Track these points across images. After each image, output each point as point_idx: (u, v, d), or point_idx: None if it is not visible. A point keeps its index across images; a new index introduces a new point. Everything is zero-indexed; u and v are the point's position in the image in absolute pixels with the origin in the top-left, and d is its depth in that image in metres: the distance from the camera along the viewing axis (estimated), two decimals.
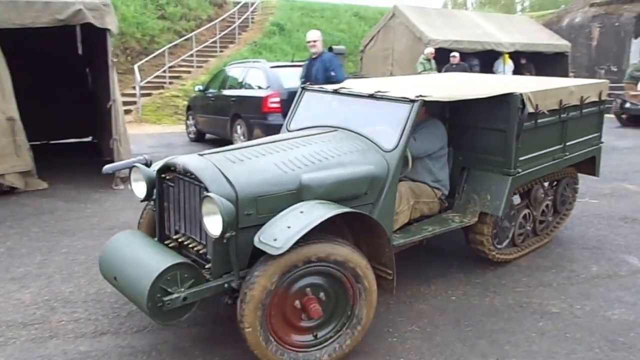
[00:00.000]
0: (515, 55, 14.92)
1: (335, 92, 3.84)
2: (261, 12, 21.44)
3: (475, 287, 3.72)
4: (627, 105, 11.96)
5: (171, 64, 15.74)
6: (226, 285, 2.60)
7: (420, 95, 3.27)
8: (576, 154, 4.48)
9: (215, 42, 17.93)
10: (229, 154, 2.92)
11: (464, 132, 3.88)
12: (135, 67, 13.90)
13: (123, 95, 12.64)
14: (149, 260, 2.57)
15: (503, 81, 5.05)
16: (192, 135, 10.42)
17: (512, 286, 3.73)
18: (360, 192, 3.04)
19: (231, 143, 8.45)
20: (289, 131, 3.82)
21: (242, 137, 8.10)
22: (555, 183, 4.65)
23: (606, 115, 5.15)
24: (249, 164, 2.84)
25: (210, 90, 9.63)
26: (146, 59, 15.28)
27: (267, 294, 2.47)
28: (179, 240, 2.91)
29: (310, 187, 2.81)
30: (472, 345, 2.95)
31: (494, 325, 3.18)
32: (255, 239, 2.51)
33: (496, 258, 3.97)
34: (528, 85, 4.12)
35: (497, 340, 3.01)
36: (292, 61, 9.09)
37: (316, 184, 2.83)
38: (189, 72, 16.13)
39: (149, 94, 14.48)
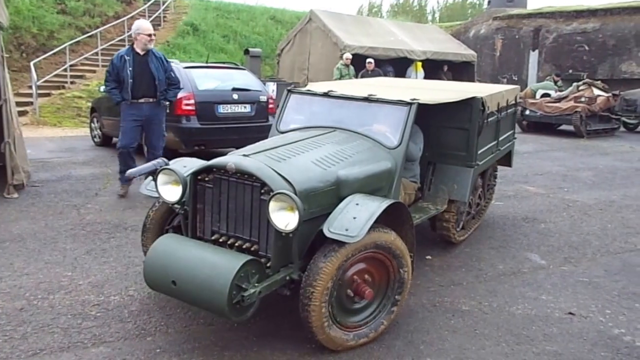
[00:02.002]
0: (438, 63, 15.70)
1: (327, 95, 4.06)
2: (174, 11, 20.88)
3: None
4: (527, 112, 12.94)
5: (73, 62, 14.86)
6: (287, 277, 2.79)
7: (415, 99, 3.68)
8: (504, 147, 5.35)
9: (123, 40, 17.16)
10: (268, 154, 3.06)
11: (429, 131, 4.29)
12: (32, 64, 12.96)
13: (17, 95, 11.74)
14: (217, 259, 2.63)
15: (456, 86, 5.75)
16: (97, 140, 9.84)
17: (426, 286, 3.88)
18: (381, 185, 3.42)
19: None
20: (279, 132, 4.01)
21: None
22: (483, 173, 5.18)
23: None
24: (292, 162, 3.02)
25: None
26: (44, 56, 14.30)
27: (332, 282, 2.71)
28: (220, 240, 2.97)
29: (347, 182, 3.09)
30: (389, 347, 3.03)
31: (409, 325, 3.28)
32: (325, 230, 2.72)
33: (457, 240, 4.64)
34: (478, 90, 4.77)
35: (412, 340, 3.11)
36: (207, 62, 8.90)
37: (352, 179, 3.13)
38: (93, 71, 15.32)
39: (47, 94, 13.56)
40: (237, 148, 8.55)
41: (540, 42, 19.17)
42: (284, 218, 2.66)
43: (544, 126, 13.18)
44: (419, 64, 15.16)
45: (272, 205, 2.64)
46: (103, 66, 15.56)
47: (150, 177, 3.26)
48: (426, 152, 4.28)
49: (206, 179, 3.00)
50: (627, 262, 4.52)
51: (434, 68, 15.85)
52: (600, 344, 3.14)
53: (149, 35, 5.76)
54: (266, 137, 8.15)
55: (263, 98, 7.82)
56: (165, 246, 2.82)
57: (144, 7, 19.29)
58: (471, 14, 29.08)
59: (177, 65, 7.71)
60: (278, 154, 3.07)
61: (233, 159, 2.92)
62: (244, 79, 7.97)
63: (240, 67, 8.42)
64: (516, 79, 19.20)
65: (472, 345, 3.09)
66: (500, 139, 5.10)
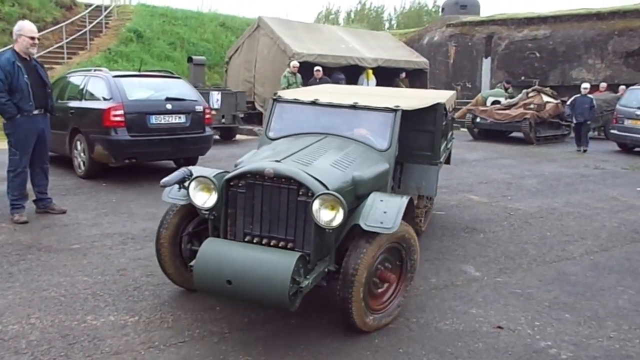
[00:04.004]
0: (393, 71, 15.87)
1: (314, 103, 4.41)
2: (117, 17, 20.42)
3: (313, 306, 3.73)
4: (478, 120, 13.20)
5: None
6: (326, 269, 3.17)
7: (398, 106, 4.18)
8: (450, 146, 6.11)
9: (61, 47, 16.67)
10: (294, 159, 3.41)
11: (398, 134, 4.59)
12: None
13: None
14: (271, 257, 2.95)
15: (414, 93, 6.55)
16: None
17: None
18: (382, 184, 3.85)
19: (71, 161, 7.80)
20: (270, 139, 4.30)
21: (82, 154, 7.50)
22: None
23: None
24: (316, 166, 3.37)
25: None
26: None
27: (368, 270, 3.13)
28: (253, 241, 3.24)
29: (362, 181, 3.50)
30: None
31: (327, 347, 3.18)
32: (362, 224, 3.11)
33: (422, 230, 5.15)
34: (435, 95, 5.31)
35: None
36: (140, 70, 8.67)
37: (366, 179, 3.55)
38: None
39: None
40: (173, 160, 8.40)
41: (492, 49, 19.68)
42: (328, 216, 3.02)
43: (495, 133, 13.47)
44: (370, 71, 15.27)
45: (316, 205, 2.99)
46: None
47: (177, 186, 3.49)
48: (395, 153, 4.57)
49: (239, 184, 3.27)
50: (561, 271, 4.57)
51: (389, 75, 16.01)
52: (524, 358, 3.13)
53: (32, 38, 5.31)
54: (202, 148, 8.03)
55: (199, 108, 7.66)
56: (215, 249, 3.08)
57: (84, 12, 18.79)
58: (427, 21, 29.66)
59: (106, 74, 7.48)
60: (301, 159, 3.43)
61: (269, 164, 3.21)
62: (179, 88, 7.80)
63: (176, 75, 8.23)
64: (470, 86, 19.64)
65: None
66: (448, 138, 5.86)
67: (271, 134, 4.36)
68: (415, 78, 16.76)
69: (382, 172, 3.87)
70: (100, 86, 7.37)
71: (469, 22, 20.74)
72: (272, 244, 3.19)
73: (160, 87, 7.69)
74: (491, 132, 13.45)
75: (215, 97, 12.07)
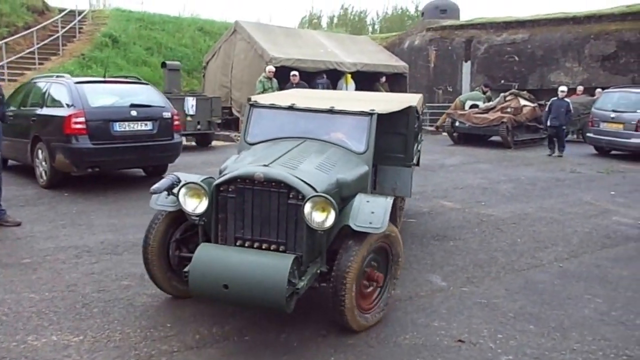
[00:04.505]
0: (373, 75, 15.83)
1: (291, 108, 4.46)
2: (91, 22, 20.15)
3: (272, 322, 3.60)
4: (457, 124, 13.18)
5: None
6: (318, 271, 3.26)
7: (373, 109, 4.27)
8: (419, 148, 6.22)
9: (33, 52, 16.38)
10: (280, 163, 3.47)
11: None
12: None
13: None
14: (266, 260, 3.03)
15: (387, 97, 6.85)
16: None
17: (313, 316, 3.67)
18: (364, 185, 3.96)
19: (32, 170, 7.59)
20: (249, 144, 4.33)
21: (43, 163, 7.29)
22: None
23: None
24: (303, 169, 3.44)
25: (12, 108, 8.59)
26: None
27: (359, 270, 3.24)
28: (245, 245, 3.29)
29: (346, 184, 3.62)
30: None
31: None
32: (352, 225, 3.22)
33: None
34: (406, 99, 5.44)
35: None
36: (105, 77, 8.48)
37: (349, 182, 3.67)
38: None
39: None
40: (143, 169, 8.20)
41: (472, 53, 19.74)
42: (320, 217, 3.09)
43: (475, 137, 13.45)
44: (349, 76, 15.21)
45: (308, 207, 3.06)
46: (10, 80, 14.72)
47: (165, 192, 3.51)
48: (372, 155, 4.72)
49: (229, 189, 3.31)
50: (530, 280, 4.49)
51: (369, 80, 15.96)
52: None
53: None
54: (170, 156, 7.87)
55: (167, 114, 7.50)
56: (210, 254, 3.12)
57: (57, 17, 18.50)
58: (410, 26, 29.72)
59: (67, 81, 7.29)
60: (288, 163, 3.50)
61: (258, 169, 3.27)
62: (146, 94, 7.63)
63: (143, 81, 8.06)
64: (451, 90, 19.67)
65: None
66: (419, 138, 6.04)
67: (250, 139, 4.40)
68: (395, 82, 16.73)
69: (362, 174, 3.98)
70: (61, 93, 7.17)
71: (449, 26, 20.81)
72: (263, 247, 3.25)
73: (125, 93, 7.51)
74: (471, 136, 13.44)
75: (190, 103, 11.88)
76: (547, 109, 12.01)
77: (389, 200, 3.42)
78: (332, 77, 15.11)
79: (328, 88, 13.70)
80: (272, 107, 4.54)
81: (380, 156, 4.71)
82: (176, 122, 7.63)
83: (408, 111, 4.86)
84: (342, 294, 3.17)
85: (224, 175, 3.43)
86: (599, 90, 14.47)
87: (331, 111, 4.37)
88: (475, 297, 4.11)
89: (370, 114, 4.27)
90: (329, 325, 3.53)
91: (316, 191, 3.23)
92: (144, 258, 3.71)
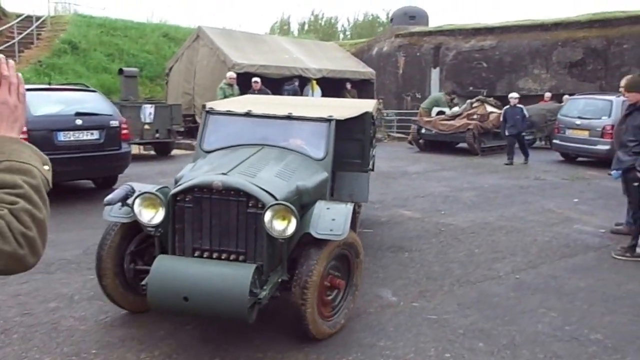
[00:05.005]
0: (340, 81, 15.75)
1: (248, 114, 4.45)
2: (50, 28, 19.63)
3: (205, 345, 3.39)
4: (423, 130, 13.13)
5: None
6: (279, 279, 3.23)
7: (331, 115, 4.30)
8: (374, 153, 6.15)
9: None
10: (239, 171, 3.43)
11: None
12: None
13: None
14: (227, 271, 3.00)
15: (346, 102, 6.89)
16: None
17: (248, 337, 3.46)
18: (324, 192, 3.97)
19: None
20: (205, 151, 4.27)
21: None
22: None
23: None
24: (262, 177, 3.42)
25: None
26: None
27: (321, 277, 3.23)
28: (203, 256, 3.23)
29: (306, 191, 3.60)
30: None
31: None
32: (313, 233, 3.20)
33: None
34: (364, 105, 5.43)
35: None
36: (50, 84, 8.15)
37: (309, 189, 3.65)
38: None
39: None
40: (92, 180, 7.89)
41: (440, 60, 19.82)
42: (280, 226, 3.07)
43: (442, 144, 13.43)
44: (314, 82, 15.09)
45: (268, 216, 3.04)
46: None
47: (120, 204, 3.40)
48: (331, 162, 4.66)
49: (186, 199, 3.23)
50: (483, 293, 4.36)
51: (337, 86, 15.89)
52: None
53: None
54: (119, 166, 7.58)
55: (114, 123, 7.22)
56: (168, 266, 3.04)
57: (13, 22, 17.97)
58: (380, 33, 29.84)
59: None
60: (246, 171, 3.46)
61: (216, 177, 3.21)
62: (93, 102, 7.35)
63: (91, 89, 7.77)
64: (419, 96, 19.66)
65: None
66: (374, 143, 6.06)
67: (206, 147, 4.34)
68: (362, 89, 16.69)
69: (322, 180, 3.99)
70: None
71: (418, 32, 20.86)
72: (222, 257, 3.21)
73: (71, 101, 7.21)
74: (438, 143, 13.40)
75: (148, 111, 11.57)
76: (502, 118, 11.93)
77: (350, 207, 3.42)
78: (299, 84, 14.97)
79: (295, 94, 13.54)
80: (229, 113, 4.49)
81: (337, 162, 4.70)
82: (124, 131, 7.36)
83: (364, 117, 4.88)
84: (304, 302, 3.15)
85: (180, 184, 3.36)
86: (566, 96, 14.61)
87: (289, 117, 4.37)
88: (425, 312, 3.96)
89: (328, 120, 4.29)
90: (264, 347, 3.33)
91: (276, 199, 3.20)
92: (97, 272, 3.57)
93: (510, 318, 3.89)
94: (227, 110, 4.52)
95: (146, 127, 11.56)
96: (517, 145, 11.63)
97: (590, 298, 4.29)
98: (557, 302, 4.19)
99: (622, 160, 5.55)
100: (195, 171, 3.72)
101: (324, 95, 15.03)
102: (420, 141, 13.43)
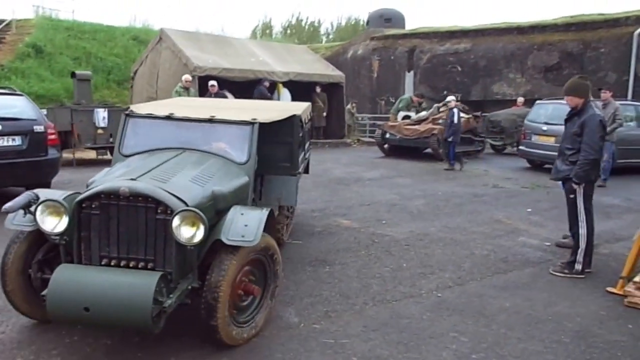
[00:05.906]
0: (310, 85, 15.44)
1: (169, 117, 4.34)
2: (15, 32, 19.21)
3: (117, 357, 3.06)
4: (387, 135, 12.83)
5: None
6: (189, 287, 3.17)
7: (255, 119, 4.27)
8: (307, 156, 6.32)
9: None
10: (150, 176, 3.35)
11: (257, 147, 4.45)
12: None
13: None
14: (131, 279, 2.89)
15: (276, 105, 6.99)
16: None
17: (163, 345, 3.12)
18: (243, 197, 3.94)
19: None
20: (124, 156, 4.16)
21: None
22: None
23: None
24: (174, 182, 3.35)
25: None
26: None
27: (232, 284, 3.18)
28: (111, 264, 3.13)
29: (222, 196, 3.56)
30: None
31: None
32: (223, 239, 3.15)
33: (284, 241, 5.40)
34: (295, 108, 5.43)
35: None
36: None
37: (225, 194, 3.61)
38: None
39: None
40: (15, 187, 7.51)
41: (415, 63, 19.57)
42: (188, 232, 3.01)
43: (408, 150, 13.11)
44: (280, 85, 14.78)
45: (176, 222, 2.98)
46: None
47: (22, 211, 3.28)
48: (254, 165, 4.53)
49: (92, 205, 3.13)
50: (397, 313, 4.04)
51: (307, 90, 15.60)
52: None
53: None
54: (45, 174, 7.17)
55: (39, 128, 6.85)
56: (69, 276, 2.94)
57: None
58: (356, 36, 29.62)
59: None
60: (158, 176, 3.38)
61: (124, 183, 3.12)
62: (16, 106, 6.96)
63: (17, 92, 7.39)
64: (393, 100, 19.37)
65: None
66: (307, 148, 6.11)
67: (124, 151, 4.24)
68: (332, 92, 16.41)
69: (242, 185, 3.95)
70: None
71: (392, 35, 20.63)
72: (131, 265, 3.14)
73: None
74: (403, 149, 13.08)
75: (101, 115, 11.21)
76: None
77: (264, 212, 3.39)
78: (270, 87, 14.66)
79: (262, 96, 13.21)
80: (149, 116, 4.40)
81: (266, 165, 4.70)
82: (52, 137, 6.99)
83: (292, 120, 4.85)
84: (214, 308, 3.10)
85: (87, 190, 3.25)
86: (539, 101, 14.37)
87: (211, 120, 4.31)
88: (323, 336, 3.62)
89: (251, 123, 4.26)
90: (182, 354, 2.99)
91: (187, 205, 3.15)
92: (1, 283, 3.45)
93: (415, 343, 3.56)
94: (148, 114, 4.42)
95: (100, 131, 11.23)
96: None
97: (511, 321, 3.97)
98: (472, 325, 3.87)
99: (559, 170, 5.29)
100: (108, 176, 3.60)
101: (293, 98, 14.73)
102: (385, 146, 13.12)
